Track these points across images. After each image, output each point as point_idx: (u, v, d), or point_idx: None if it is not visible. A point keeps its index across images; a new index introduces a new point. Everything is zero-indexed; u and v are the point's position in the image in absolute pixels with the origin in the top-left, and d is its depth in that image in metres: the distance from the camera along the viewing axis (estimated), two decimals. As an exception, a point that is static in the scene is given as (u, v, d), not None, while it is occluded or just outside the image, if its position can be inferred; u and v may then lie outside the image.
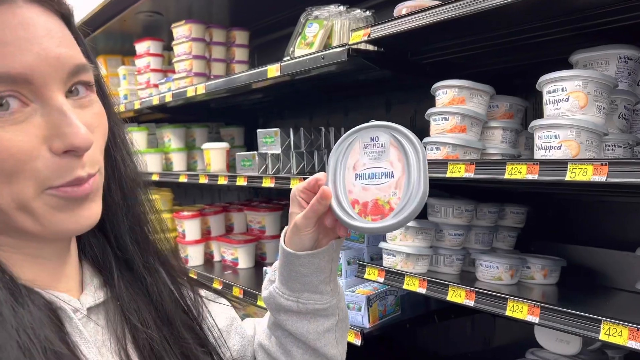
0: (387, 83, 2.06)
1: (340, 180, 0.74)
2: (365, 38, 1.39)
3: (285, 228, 0.81)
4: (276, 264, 0.84)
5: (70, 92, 0.57)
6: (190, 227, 2.40)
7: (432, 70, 1.62)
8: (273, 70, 1.71)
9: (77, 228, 0.58)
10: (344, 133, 2.13)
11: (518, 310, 1.12)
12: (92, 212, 0.59)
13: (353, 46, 1.44)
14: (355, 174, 0.73)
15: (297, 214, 0.77)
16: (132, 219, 0.71)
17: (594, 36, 1.26)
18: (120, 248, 0.71)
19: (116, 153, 0.69)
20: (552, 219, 1.64)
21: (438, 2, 1.23)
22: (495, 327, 1.81)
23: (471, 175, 1.18)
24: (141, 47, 2.61)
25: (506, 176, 1.10)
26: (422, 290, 1.34)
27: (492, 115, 1.38)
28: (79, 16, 2.81)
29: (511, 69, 1.60)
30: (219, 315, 0.85)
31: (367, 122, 0.76)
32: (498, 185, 1.54)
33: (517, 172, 1.08)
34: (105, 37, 2.98)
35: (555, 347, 1.35)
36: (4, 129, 0.51)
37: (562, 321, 1.05)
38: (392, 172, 0.71)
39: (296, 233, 0.77)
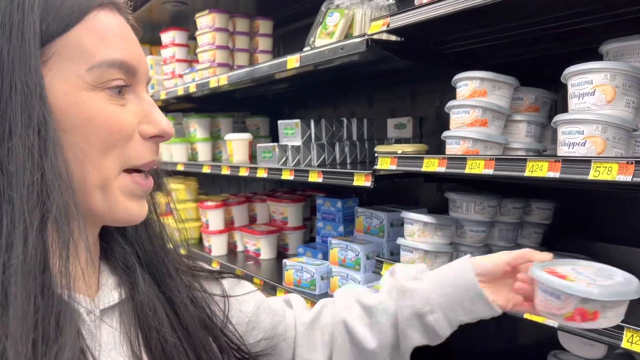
0: (412, 72, 2.01)
1: None
2: (385, 28, 1.35)
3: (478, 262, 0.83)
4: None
5: None
6: (213, 217, 2.41)
7: (455, 61, 1.56)
8: (293, 61, 1.69)
9: (135, 217, 0.64)
10: (367, 124, 2.09)
11: (537, 313, 1.07)
12: (146, 208, 0.66)
13: (372, 36, 1.40)
14: None
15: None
16: (153, 226, 0.74)
17: (627, 25, 1.18)
18: (141, 251, 0.73)
19: None
20: (581, 215, 1.58)
21: (461, -10, 1.18)
22: (519, 327, 1.75)
23: (490, 171, 1.13)
24: (166, 37, 2.62)
25: (527, 174, 1.05)
26: (440, 289, 1.30)
27: (516, 108, 1.32)
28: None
29: (540, 60, 1.53)
30: (245, 301, 0.85)
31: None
32: (524, 181, 1.48)
33: (538, 169, 1.03)
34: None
35: (579, 350, 1.30)
36: (117, 107, 0.60)
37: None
38: None
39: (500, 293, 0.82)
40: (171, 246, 0.76)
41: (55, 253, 0.53)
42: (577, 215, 1.58)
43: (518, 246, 1.55)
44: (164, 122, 0.64)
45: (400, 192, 2.14)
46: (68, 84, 0.57)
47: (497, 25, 1.37)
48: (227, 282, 0.85)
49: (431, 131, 2.06)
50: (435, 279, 0.84)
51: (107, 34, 0.60)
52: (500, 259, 0.82)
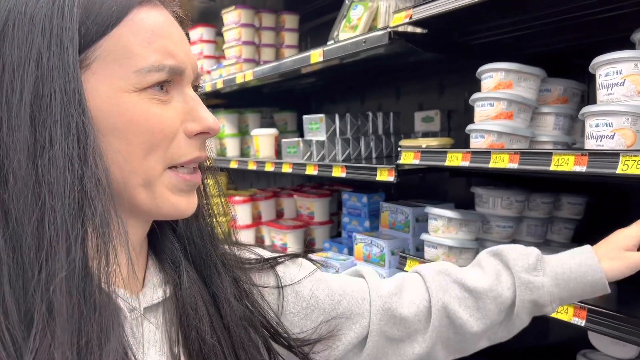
0: (440, 65, 1.98)
1: None
2: (407, 20, 1.33)
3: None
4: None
5: None
6: (241, 212, 2.43)
7: (482, 52, 1.53)
8: (316, 56, 1.68)
9: (183, 211, 0.63)
10: (394, 117, 2.07)
11: (563, 311, 1.04)
12: (195, 201, 0.65)
13: (395, 29, 1.38)
14: None
15: None
16: (204, 219, 0.73)
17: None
18: (190, 245, 0.71)
19: None
20: (614, 210, 1.52)
21: (485, -21, 1.14)
22: (549, 325, 1.71)
23: (515, 165, 1.10)
24: (194, 34, 2.64)
25: (552, 168, 1.02)
26: (463, 285, 1.27)
27: (544, 100, 1.28)
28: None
29: (570, 49, 1.48)
30: (301, 284, 0.81)
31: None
32: (551, 175, 1.44)
33: (564, 163, 1.00)
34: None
35: (610, 350, 1.26)
36: (159, 107, 0.59)
37: (611, 325, 0.97)
38: None
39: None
40: (221, 240, 0.74)
41: (96, 258, 0.54)
42: (609, 210, 1.52)
43: (547, 242, 1.50)
44: (209, 118, 0.62)
45: (427, 187, 2.11)
46: (111, 86, 0.56)
47: (525, 14, 1.33)
48: (281, 268, 0.81)
49: (460, 124, 2.02)
50: (559, 273, 0.83)
51: (149, 33, 0.58)
52: (634, 264, 0.85)
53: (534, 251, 0.86)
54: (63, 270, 0.50)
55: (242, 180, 3.59)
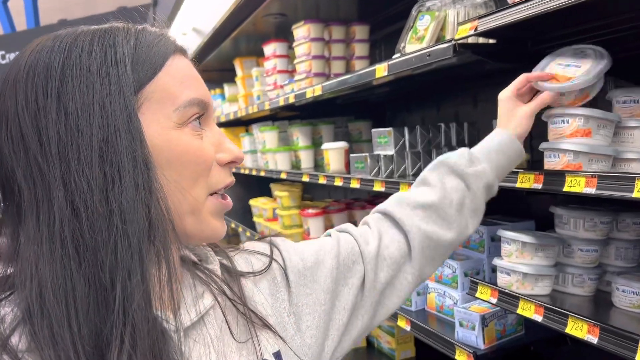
0: (519, 71, 1.84)
1: None
2: (472, 32, 1.25)
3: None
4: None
5: None
6: (314, 225, 2.43)
7: (561, 59, 1.40)
8: (381, 70, 1.64)
9: (219, 235, 0.71)
10: (468, 128, 1.98)
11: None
12: (225, 225, 0.72)
13: (459, 41, 1.30)
14: None
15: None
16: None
17: None
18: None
19: None
20: None
21: (559, -17, 1.04)
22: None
23: (592, 190, 1.00)
24: (268, 49, 2.68)
25: (635, 195, 0.91)
26: (538, 318, 1.17)
27: (630, 112, 1.15)
28: (212, 22, 2.95)
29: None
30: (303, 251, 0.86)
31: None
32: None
33: (649, 190, 0.88)
34: (245, 39, 3.15)
35: None
36: (198, 140, 0.66)
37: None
38: None
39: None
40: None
41: (157, 279, 0.60)
42: None
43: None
44: (236, 150, 0.71)
45: (507, 202, 1.97)
46: (159, 124, 0.63)
47: (608, 18, 1.20)
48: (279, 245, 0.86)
49: (542, 133, 1.87)
50: (491, 157, 1.02)
51: (183, 76, 0.67)
52: (528, 115, 1.12)
53: (464, 150, 1.00)
54: (141, 287, 0.56)
55: (321, 189, 3.60)
